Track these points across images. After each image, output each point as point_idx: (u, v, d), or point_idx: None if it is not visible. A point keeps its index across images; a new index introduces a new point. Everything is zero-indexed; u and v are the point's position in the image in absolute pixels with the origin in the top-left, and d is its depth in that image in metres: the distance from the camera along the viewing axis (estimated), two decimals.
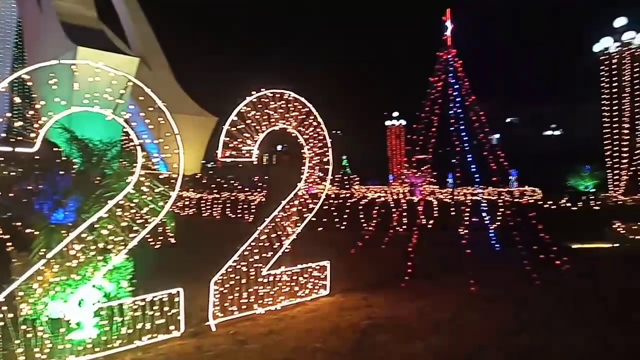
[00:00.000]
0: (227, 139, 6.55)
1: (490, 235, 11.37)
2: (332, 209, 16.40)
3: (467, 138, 10.87)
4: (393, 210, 13.42)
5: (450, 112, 11.06)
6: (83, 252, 5.44)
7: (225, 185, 26.35)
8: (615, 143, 20.26)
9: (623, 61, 19.94)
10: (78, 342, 5.35)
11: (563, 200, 16.05)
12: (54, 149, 6.45)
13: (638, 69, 19.60)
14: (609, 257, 11.42)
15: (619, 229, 11.94)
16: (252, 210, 19.74)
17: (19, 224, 5.90)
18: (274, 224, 7.34)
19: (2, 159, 5.40)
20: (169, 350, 5.68)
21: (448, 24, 11.24)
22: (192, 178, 29.69)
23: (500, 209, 12.72)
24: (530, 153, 36.66)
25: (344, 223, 16.33)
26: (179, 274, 7.43)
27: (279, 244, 7.26)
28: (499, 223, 12.47)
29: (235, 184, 26.31)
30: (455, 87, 11.11)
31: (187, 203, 23.66)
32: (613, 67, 20.24)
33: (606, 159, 20.53)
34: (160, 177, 5.84)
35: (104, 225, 5.50)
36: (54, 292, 5.47)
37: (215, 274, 6.62)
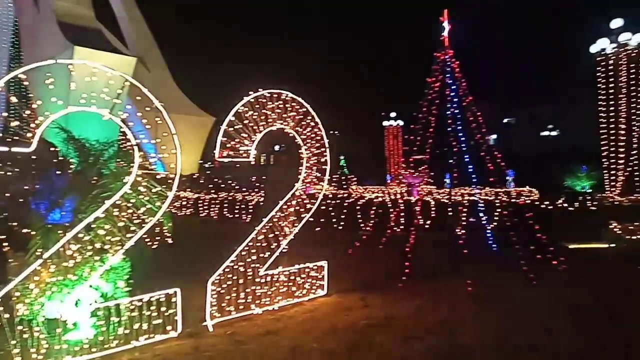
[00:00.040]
0: (225, 139, 6.55)
1: (488, 235, 11.40)
2: (329, 209, 16.40)
3: (464, 138, 10.89)
4: (390, 210, 13.43)
5: (447, 112, 11.08)
6: (80, 252, 5.42)
7: (222, 186, 26.33)
8: (611, 144, 20.33)
9: (619, 62, 20.01)
10: (75, 343, 5.34)
11: (560, 201, 16.08)
12: (51, 149, 6.43)
13: (634, 70, 19.67)
14: (605, 258, 11.46)
15: (615, 229, 11.97)
16: (250, 211, 19.73)
17: (16, 224, 5.89)
18: (271, 224, 7.34)
19: None
20: (166, 350, 5.67)
21: (445, 24, 11.26)
22: (190, 178, 29.66)
23: (498, 210, 12.75)
24: (528, 153, 36.77)
25: (342, 223, 16.34)
26: (176, 274, 7.42)
27: (276, 244, 7.26)
28: (496, 223, 12.50)
29: (232, 184, 26.28)
30: (453, 87, 11.13)
31: (184, 203, 23.62)
32: (609, 68, 20.31)
33: (603, 160, 20.58)
34: (158, 177, 5.83)
35: (100, 226, 5.49)
36: (51, 292, 5.45)
37: (212, 274, 6.61)
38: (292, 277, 7.62)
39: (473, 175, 11.09)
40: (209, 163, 38.76)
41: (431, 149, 11.82)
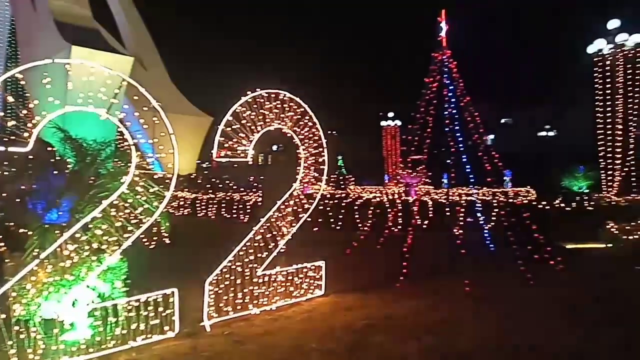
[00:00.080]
0: (223, 138, 6.53)
1: (485, 235, 11.42)
2: (327, 209, 16.40)
3: (461, 139, 10.91)
4: (388, 210, 13.44)
5: (445, 112, 11.09)
6: (77, 252, 5.40)
7: (220, 185, 26.30)
8: (608, 144, 20.40)
9: (616, 63, 20.09)
10: (72, 343, 5.31)
11: (557, 201, 16.13)
12: (48, 149, 6.42)
13: (631, 71, 19.75)
14: (602, 257, 11.50)
15: (612, 230, 12.01)
16: (248, 211, 19.71)
17: (13, 224, 5.87)
18: (269, 224, 7.33)
19: None
20: (163, 350, 5.65)
21: (443, 24, 11.28)
22: (187, 178, 29.63)
23: (495, 210, 12.78)
24: (525, 154, 36.85)
25: (339, 223, 16.34)
26: (173, 274, 7.41)
27: (274, 244, 7.25)
28: (493, 223, 12.52)
29: (230, 184, 26.26)
30: (450, 87, 11.14)
31: (182, 203, 23.58)
32: (606, 68, 20.39)
33: (599, 160, 20.66)
34: (155, 177, 5.82)
35: (98, 226, 5.48)
36: (48, 292, 5.43)
37: (210, 274, 6.60)
38: (290, 277, 7.62)
39: (470, 176, 11.10)
40: (207, 163, 38.71)
41: (429, 149, 11.83)
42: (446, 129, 11.02)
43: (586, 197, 17.43)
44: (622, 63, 19.97)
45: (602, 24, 20.51)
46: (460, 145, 10.90)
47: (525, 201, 17.72)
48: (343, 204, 16.83)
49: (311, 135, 7.76)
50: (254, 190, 23.57)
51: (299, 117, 7.54)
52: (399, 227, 13.18)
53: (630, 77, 19.79)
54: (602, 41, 20.38)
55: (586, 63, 21.21)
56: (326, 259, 8.26)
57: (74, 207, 6.07)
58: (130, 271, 6.45)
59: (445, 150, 11.13)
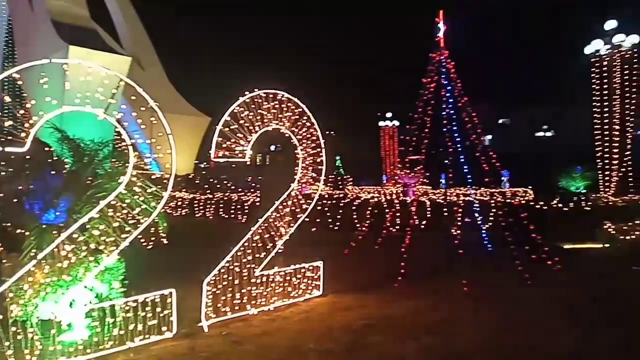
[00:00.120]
0: (220, 139, 6.53)
1: (483, 235, 11.44)
2: (325, 209, 16.40)
3: (459, 139, 10.92)
4: (386, 210, 13.46)
5: (443, 113, 11.10)
6: (74, 252, 5.39)
7: (218, 186, 26.26)
8: (606, 144, 20.46)
9: (613, 63, 20.15)
10: (69, 344, 5.31)
11: (554, 201, 16.17)
12: (45, 149, 6.40)
13: (628, 71, 19.81)
14: (600, 258, 11.54)
15: (609, 230, 12.04)
16: (246, 211, 19.69)
17: (9, 224, 5.85)
18: (267, 225, 7.33)
19: None
20: (161, 351, 5.65)
21: (441, 25, 11.29)
22: (185, 178, 29.57)
23: (493, 210, 12.80)
24: (522, 154, 36.94)
25: (337, 223, 16.34)
26: (171, 274, 7.40)
27: (272, 244, 7.25)
28: (491, 224, 12.54)
29: (228, 184, 26.23)
30: (448, 88, 11.16)
31: (179, 203, 23.54)
32: (604, 69, 20.45)
33: (597, 160, 20.71)
34: (153, 177, 5.81)
35: (95, 226, 5.46)
36: (45, 293, 5.42)
37: (208, 275, 6.59)
38: (288, 278, 7.61)
39: (468, 176, 11.12)
40: (205, 163, 38.65)
41: (427, 149, 11.84)
42: (444, 130, 11.03)
43: (584, 198, 17.47)
44: (619, 64, 20.02)
45: (599, 25, 20.57)
46: (458, 145, 10.91)
47: (522, 201, 17.77)
48: (341, 204, 16.82)
49: (309, 136, 7.77)
50: (252, 190, 23.54)
51: (297, 117, 7.54)
52: (397, 227, 13.19)
53: (627, 77, 19.85)
54: (599, 42, 20.44)
55: (583, 64, 21.27)
56: (324, 259, 8.26)
57: (72, 207, 6.06)
58: (128, 272, 6.44)
59: (443, 151, 11.14)
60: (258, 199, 19.69)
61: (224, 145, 6.58)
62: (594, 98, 20.94)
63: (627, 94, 19.99)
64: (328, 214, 16.42)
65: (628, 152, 19.97)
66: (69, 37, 25.20)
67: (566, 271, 9.24)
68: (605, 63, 20.47)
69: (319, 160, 7.91)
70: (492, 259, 10.71)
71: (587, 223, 13.36)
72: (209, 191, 24.71)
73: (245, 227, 7.26)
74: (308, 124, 7.69)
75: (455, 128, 10.95)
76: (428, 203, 15.97)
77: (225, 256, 6.79)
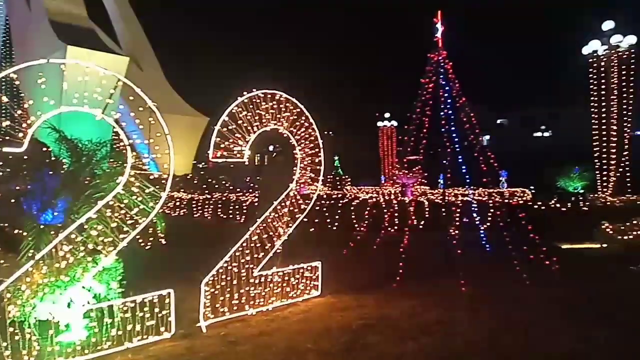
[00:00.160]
0: (219, 139, 6.53)
1: (481, 235, 11.45)
2: (323, 209, 16.40)
3: (457, 139, 10.93)
4: (385, 210, 13.46)
5: (441, 113, 11.11)
6: (72, 253, 5.38)
7: (216, 186, 26.23)
8: (603, 144, 20.51)
9: (611, 64, 20.20)
10: (67, 344, 5.30)
11: (552, 201, 16.20)
12: (43, 149, 6.39)
13: (625, 72, 19.87)
14: (597, 258, 11.56)
15: (607, 230, 12.07)
16: (244, 211, 19.68)
17: (7, 224, 5.84)
18: (265, 225, 7.32)
19: None
20: (159, 351, 5.64)
21: (439, 25, 11.30)
22: (183, 178, 29.54)
23: (491, 210, 12.83)
24: (520, 154, 37.02)
25: (336, 224, 16.35)
26: (169, 275, 7.39)
27: (270, 244, 7.25)
28: (489, 224, 12.56)
29: (226, 185, 26.20)
30: (446, 88, 11.17)
31: (178, 204, 23.52)
32: (601, 69, 20.50)
33: (595, 160, 20.77)
34: (151, 177, 5.80)
35: (93, 226, 5.45)
36: (43, 293, 5.41)
37: (206, 275, 6.59)
38: (286, 278, 7.61)
39: (466, 176, 11.13)
40: (203, 163, 38.62)
41: (425, 149, 11.85)
42: (442, 130, 11.04)
43: (581, 198, 17.51)
44: (616, 64, 20.07)
45: (597, 26, 20.63)
46: (456, 145, 10.93)
47: (520, 201, 17.80)
48: (339, 205, 16.83)
49: (307, 136, 7.77)
50: (250, 190, 23.53)
51: (296, 117, 7.54)
52: (396, 227, 13.21)
53: (624, 78, 19.91)
54: (597, 42, 20.49)
55: (581, 64, 21.32)
56: (323, 259, 8.26)
57: (69, 207, 6.05)
58: (126, 272, 6.43)
59: (441, 151, 11.15)
60: (257, 199, 19.67)
61: (222, 146, 6.57)
62: (591, 98, 20.99)
63: (625, 95, 20.05)
64: (326, 214, 16.41)
65: (626, 152, 20.03)
66: (66, 37, 25.15)
67: (564, 271, 9.25)
68: (602, 63, 20.52)
69: (317, 160, 7.91)
70: (490, 259, 10.73)
71: (585, 223, 13.39)
72: (207, 191, 24.69)
73: (243, 227, 7.25)
74: (306, 124, 7.69)
75: (453, 128, 10.97)
76: (426, 203, 16.00)
77: (223, 256, 6.79)
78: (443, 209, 13.62)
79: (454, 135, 10.96)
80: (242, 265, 6.96)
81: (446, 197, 13.91)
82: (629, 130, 20.18)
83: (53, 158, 6.46)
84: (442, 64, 11.22)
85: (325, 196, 18.51)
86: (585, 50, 20.93)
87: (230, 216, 20.29)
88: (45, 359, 5.09)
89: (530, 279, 8.70)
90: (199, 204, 22.43)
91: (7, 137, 4.75)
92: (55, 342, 5.16)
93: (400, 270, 8.86)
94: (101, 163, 6.48)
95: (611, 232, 11.93)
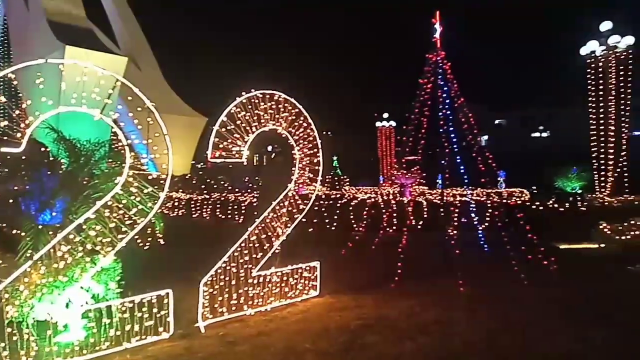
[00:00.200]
0: (217, 139, 6.53)
1: (479, 235, 11.47)
2: (322, 209, 16.41)
3: (456, 139, 10.94)
4: (383, 211, 13.47)
5: (439, 113, 11.12)
6: (70, 253, 5.38)
7: (215, 186, 26.22)
8: (601, 145, 20.56)
9: (609, 64, 20.26)
10: (65, 345, 5.29)
11: (550, 201, 16.24)
12: (41, 149, 6.39)
13: (623, 72, 19.92)
14: (595, 258, 11.59)
15: (605, 230, 12.10)
16: (243, 211, 19.68)
17: (5, 224, 5.83)
18: (264, 225, 7.33)
19: None
20: (157, 352, 5.64)
21: (437, 26, 11.31)
22: (182, 178, 29.52)
23: (489, 210, 12.84)
24: (518, 154, 37.09)
25: (334, 224, 16.35)
26: (168, 275, 7.39)
27: (269, 244, 7.25)
28: (487, 224, 12.58)
29: (225, 185, 26.19)
30: (445, 89, 11.18)
31: (176, 204, 23.50)
32: (599, 70, 20.55)
33: (593, 161, 20.82)
34: (149, 177, 5.80)
35: (91, 227, 5.45)
36: (41, 294, 5.40)
37: (204, 275, 6.59)
38: (285, 278, 7.62)
39: (465, 176, 11.15)
40: (202, 163, 38.61)
41: (423, 150, 11.86)
42: (440, 130, 11.05)
43: (579, 198, 17.55)
44: (614, 64, 20.13)
45: (595, 27, 20.69)
46: (455, 146, 10.94)
47: (519, 202, 17.83)
48: (338, 205, 16.84)
49: (306, 136, 7.77)
50: (249, 190, 23.53)
51: (294, 117, 7.54)
52: (394, 227, 13.21)
53: (622, 78, 19.96)
54: (594, 43, 20.55)
55: (579, 64, 21.38)
56: (321, 259, 8.27)
57: (68, 208, 6.05)
58: (125, 272, 6.42)
59: (440, 151, 11.16)
60: (256, 200, 19.67)
61: (220, 146, 6.57)
62: (589, 99, 21.04)
63: (622, 95, 20.11)
64: (325, 214, 16.42)
65: (623, 153, 20.08)
66: (65, 37, 25.12)
67: (562, 271, 9.27)
68: (600, 64, 20.57)
69: (316, 160, 7.91)
70: (489, 259, 10.75)
71: (582, 223, 13.42)
72: (205, 191, 24.67)
73: (242, 227, 7.25)
74: (305, 124, 7.70)
75: (451, 129, 10.98)
76: (425, 203, 16.02)
77: (222, 257, 6.79)
78: (441, 209, 13.63)
79: (453, 135, 10.97)
80: (241, 266, 6.96)
81: (444, 198, 13.91)
82: (626, 131, 20.23)
83: (51, 158, 6.46)
84: (440, 65, 11.23)
85: (323, 196, 18.51)
86: (583, 50, 20.98)
87: (229, 216, 20.28)
88: None
89: (528, 279, 8.72)
90: (198, 204, 22.42)
91: (5, 137, 4.74)
92: (53, 343, 5.16)
93: (399, 271, 8.88)
94: (100, 163, 6.47)
95: (609, 232, 11.96)
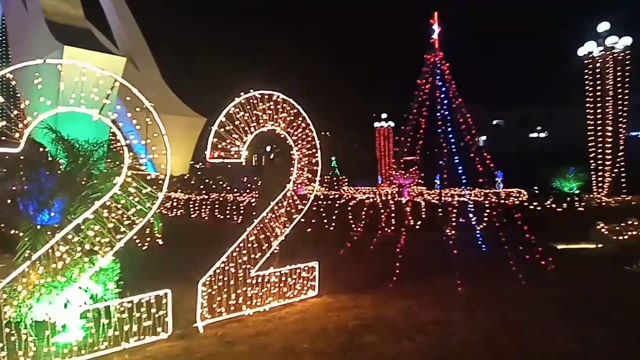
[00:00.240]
0: (216, 140, 6.53)
1: (477, 236, 11.50)
2: (320, 210, 16.42)
3: (454, 140, 10.97)
4: (381, 211, 13.49)
5: (437, 114, 11.15)
6: (69, 253, 5.38)
7: (213, 186, 26.21)
8: (599, 145, 20.63)
9: (606, 65, 20.33)
10: (63, 345, 5.29)
11: (548, 202, 16.28)
12: (40, 149, 6.39)
13: (620, 73, 20.00)
14: (593, 258, 11.61)
15: (602, 230, 12.13)
16: (241, 211, 19.67)
17: (3, 225, 5.83)
18: (262, 225, 7.33)
19: None
20: (156, 352, 5.64)
21: (435, 27, 11.33)
22: (180, 179, 29.50)
23: (487, 210, 12.86)
24: (516, 154, 37.16)
25: (333, 224, 16.37)
26: (166, 275, 7.38)
27: (267, 245, 7.25)
28: (485, 224, 12.60)
29: (224, 185, 26.19)
30: (443, 89, 11.20)
31: (175, 204, 23.48)
32: (597, 70, 20.62)
33: (590, 161, 20.88)
34: (148, 178, 5.81)
35: (90, 227, 5.45)
36: (39, 294, 5.40)
37: (203, 275, 6.59)
38: (283, 278, 7.62)
39: (463, 177, 11.17)
40: (200, 164, 38.59)
41: (421, 150, 11.88)
42: (439, 130, 11.08)
43: (577, 198, 17.60)
44: (612, 65, 20.21)
45: (592, 27, 20.76)
46: (453, 146, 10.96)
47: (517, 202, 17.87)
48: (336, 205, 16.85)
49: (305, 137, 7.78)
50: (247, 191, 23.53)
51: (293, 118, 7.55)
52: (392, 227, 13.22)
53: (620, 79, 20.04)
54: (592, 44, 20.62)
55: (577, 65, 21.46)
56: (319, 259, 8.28)
57: (66, 208, 6.05)
58: (123, 272, 6.43)
59: (438, 152, 11.18)
60: (254, 200, 19.67)
61: (219, 146, 6.58)
62: (587, 99, 21.12)
63: (620, 95, 20.18)
64: (324, 214, 16.43)
65: (621, 153, 20.15)
66: (63, 37, 25.10)
67: (560, 271, 9.30)
68: (598, 65, 20.65)
69: (314, 160, 7.92)
70: (487, 259, 10.77)
71: (580, 223, 13.45)
72: (204, 192, 24.66)
73: (240, 227, 7.26)
74: (303, 124, 7.70)
75: (449, 129, 11.00)
76: (423, 204, 16.04)
77: (220, 257, 6.79)
78: (439, 209, 13.66)
79: (451, 136, 10.99)
80: (239, 266, 6.97)
81: (443, 198, 13.94)
82: (624, 131, 20.30)
83: (50, 158, 6.46)
84: (438, 65, 11.26)
85: (322, 196, 18.52)
86: (581, 51, 21.05)
87: (228, 216, 20.28)
88: None
89: (526, 279, 8.74)
90: (196, 204, 22.41)
91: (4, 138, 4.74)
92: (51, 343, 5.16)
93: (397, 271, 8.89)
94: (98, 163, 6.48)
95: (606, 232, 11.99)
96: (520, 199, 19.96)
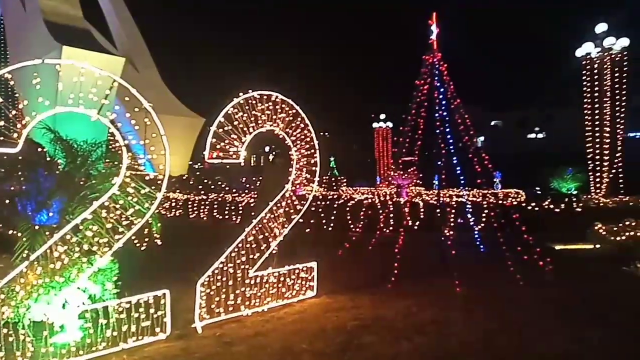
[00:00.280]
0: (214, 140, 6.53)
1: (475, 236, 11.51)
2: (319, 210, 16.43)
3: (452, 141, 10.98)
4: (380, 211, 13.50)
5: (436, 115, 11.16)
6: (67, 254, 5.37)
7: (212, 187, 26.20)
8: (596, 146, 20.69)
9: (604, 66, 20.39)
10: (61, 345, 5.29)
11: (546, 202, 16.31)
12: (38, 150, 6.38)
13: (618, 74, 20.06)
14: (590, 258, 11.64)
15: (600, 231, 12.15)
16: (240, 212, 19.67)
17: (1, 225, 5.82)
18: (261, 226, 7.34)
19: None
20: (154, 352, 5.64)
21: (434, 27, 11.35)
22: (179, 179, 29.49)
23: (485, 211, 12.89)
24: (514, 155, 37.24)
25: (331, 224, 16.38)
26: (165, 275, 7.38)
27: (266, 245, 7.26)
28: (483, 224, 12.63)
29: (222, 185, 26.18)
30: (441, 90, 11.22)
31: (173, 204, 23.46)
32: (594, 71, 20.68)
33: (588, 162, 20.93)
34: (146, 178, 5.80)
35: (88, 227, 5.45)
36: (37, 294, 5.39)
37: (201, 276, 6.59)
38: (282, 279, 7.62)
39: (461, 177, 11.19)
40: (199, 164, 38.57)
41: (420, 150, 11.90)
42: (437, 131, 11.09)
43: (575, 199, 17.64)
44: (609, 66, 20.27)
45: (590, 28, 20.82)
46: (451, 147, 10.98)
47: (514, 202, 17.91)
48: (335, 205, 16.87)
49: (303, 137, 7.78)
50: (246, 191, 23.52)
51: (291, 118, 7.55)
52: (391, 228, 13.24)
53: (617, 79, 20.10)
54: (590, 44, 20.69)
55: (574, 66, 21.52)
56: (318, 260, 8.28)
57: (64, 208, 6.04)
58: (121, 273, 6.42)
59: (436, 152, 11.19)
60: (253, 200, 19.66)
61: (218, 147, 6.58)
62: (584, 100, 21.17)
63: (617, 96, 20.24)
64: (322, 214, 16.44)
65: (618, 154, 20.20)
66: (62, 38, 25.07)
67: (558, 272, 9.31)
68: (596, 65, 20.71)
69: (313, 161, 7.93)
70: (485, 260, 10.78)
71: (578, 224, 13.47)
72: (203, 192, 24.64)
73: (239, 228, 7.26)
74: (302, 125, 7.71)
75: (448, 130, 11.02)
76: (421, 204, 16.06)
77: (219, 257, 6.79)
78: (438, 210, 13.68)
79: (449, 136, 11.01)
80: (238, 266, 6.97)
81: (441, 198, 13.95)
82: (621, 132, 20.37)
83: (48, 158, 6.45)
84: (437, 66, 11.27)
85: (320, 197, 18.53)
86: (579, 52, 21.11)
87: (226, 217, 20.27)
88: None
89: (524, 280, 8.76)
90: (195, 204, 22.39)
91: (2, 138, 4.74)
92: (49, 343, 5.15)
93: (395, 271, 8.90)
94: (96, 164, 6.47)
95: (604, 232, 12.02)
96: (518, 199, 20.00)
